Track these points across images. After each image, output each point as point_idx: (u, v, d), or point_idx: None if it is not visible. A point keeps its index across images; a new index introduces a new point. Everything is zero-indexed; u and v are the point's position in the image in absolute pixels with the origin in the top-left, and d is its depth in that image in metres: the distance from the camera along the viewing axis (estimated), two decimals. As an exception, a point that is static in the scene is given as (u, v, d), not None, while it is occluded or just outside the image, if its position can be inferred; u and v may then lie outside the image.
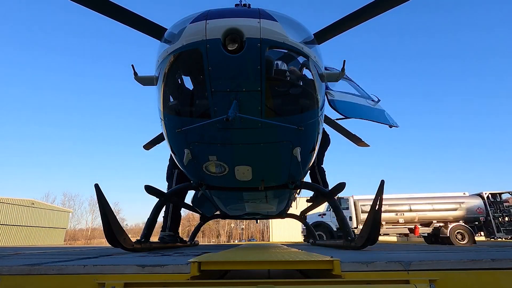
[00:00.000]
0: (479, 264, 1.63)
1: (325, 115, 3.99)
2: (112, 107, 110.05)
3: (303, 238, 17.62)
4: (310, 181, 5.62)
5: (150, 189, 4.38)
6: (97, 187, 3.23)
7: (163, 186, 5.29)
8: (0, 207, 35.74)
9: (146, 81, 3.31)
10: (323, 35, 2.94)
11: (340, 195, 8.27)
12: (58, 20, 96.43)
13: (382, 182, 3.12)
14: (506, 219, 14.07)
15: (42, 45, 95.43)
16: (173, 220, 5.56)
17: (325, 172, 5.78)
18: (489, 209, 14.26)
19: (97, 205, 3.30)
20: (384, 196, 3.07)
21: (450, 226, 13.82)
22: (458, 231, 13.55)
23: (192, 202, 6.63)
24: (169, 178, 5.76)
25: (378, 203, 3.05)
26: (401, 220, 15.09)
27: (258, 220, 10.06)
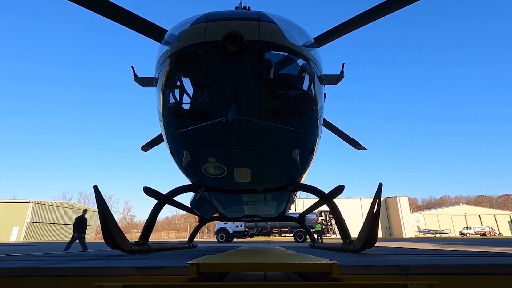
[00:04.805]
0: (477, 269, 1.63)
1: (324, 118, 3.98)
2: (114, 108, 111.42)
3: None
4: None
5: (148, 191, 4.37)
6: (95, 188, 3.22)
7: (164, 188, 5.27)
8: (46, 209, 45.59)
9: (146, 82, 3.31)
10: (323, 39, 2.95)
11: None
12: (58, 21, 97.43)
13: (380, 185, 3.12)
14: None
15: (44, 49, 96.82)
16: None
17: None
18: (320, 220, 25.46)
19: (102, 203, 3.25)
20: None
21: (294, 230, 23.79)
22: (298, 233, 23.13)
23: (190, 204, 6.61)
24: None
25: (376, 206, 3.04)
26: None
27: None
